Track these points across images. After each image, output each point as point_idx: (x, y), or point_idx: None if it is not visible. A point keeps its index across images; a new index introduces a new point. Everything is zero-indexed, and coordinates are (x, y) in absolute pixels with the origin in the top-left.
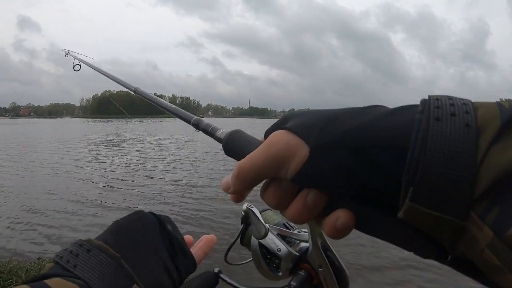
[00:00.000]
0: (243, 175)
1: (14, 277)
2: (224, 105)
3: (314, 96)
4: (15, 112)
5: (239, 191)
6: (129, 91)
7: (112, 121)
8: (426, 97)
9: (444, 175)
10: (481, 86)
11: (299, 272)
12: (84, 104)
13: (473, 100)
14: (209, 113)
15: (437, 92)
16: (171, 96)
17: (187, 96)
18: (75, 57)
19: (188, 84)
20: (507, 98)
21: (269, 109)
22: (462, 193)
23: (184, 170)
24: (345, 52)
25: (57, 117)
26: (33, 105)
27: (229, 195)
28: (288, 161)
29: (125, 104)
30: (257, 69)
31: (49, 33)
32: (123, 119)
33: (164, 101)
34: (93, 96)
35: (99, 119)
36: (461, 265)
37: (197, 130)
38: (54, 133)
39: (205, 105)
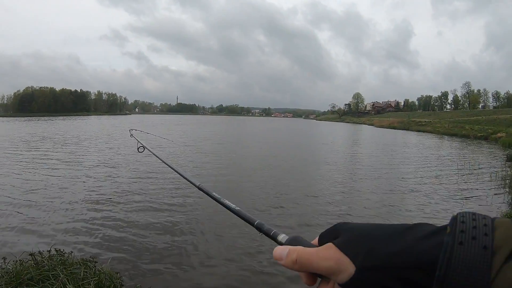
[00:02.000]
0: (301, 262)
1: None
2: (151, 102)
3: (242, 92)
4: None
5: (289, 268)
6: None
7: (35, 120)
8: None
9: None
10: (404, 83)
11: None
12: (5, 101)
13: (397, 96)
14: (137, 109)
15: (362, 88)
16: (97, 92)
17: (114, 92)
18: (138, 141)
19: (114, 80)
20: (427, 95)
21: (197, 105)
22: None
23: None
24: (273, 48)
25: None
26: None
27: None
28: (338, 274)
29: (48, 101)
30: (184, 65)
31: None
32: (46, 117)
33: (228, 202)
34: (15, 93)
35: (21, 118)
36: None
37: (260, 233)
38: None
39: (132, 101)
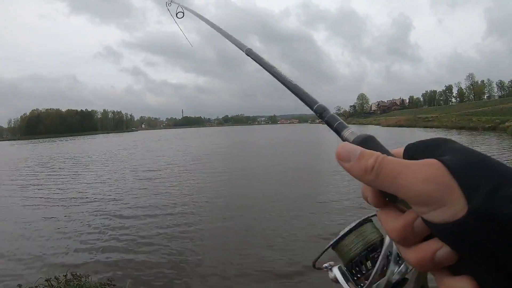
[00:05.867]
0: (380, 172)
1: None
2: (157, 117)
3: (245, 101)
4: None
5: (355, 176)
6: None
7: (42, 142)
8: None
9: None
10: (407, 79)
11: None
12: (12, 125)
13: (402, 93)
14: (143, 125)
15: (365, 88)
16: (102, 111)
17: (119, 110)
18: (178, 4)
19: (115, 97)
20: (432, 90)
21: (203, 118)
22: None
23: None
24: (270, 54)
25: None
26: None
27: None
28: (436, 207)
29: (55, 122)
30: (183, 77)
31: None
32: (53, 139)
33: (281, 71)
34: (21, 116)
35: (28, 141)
36: None
37: (320, 121)
38: None
39: (138, 118)
